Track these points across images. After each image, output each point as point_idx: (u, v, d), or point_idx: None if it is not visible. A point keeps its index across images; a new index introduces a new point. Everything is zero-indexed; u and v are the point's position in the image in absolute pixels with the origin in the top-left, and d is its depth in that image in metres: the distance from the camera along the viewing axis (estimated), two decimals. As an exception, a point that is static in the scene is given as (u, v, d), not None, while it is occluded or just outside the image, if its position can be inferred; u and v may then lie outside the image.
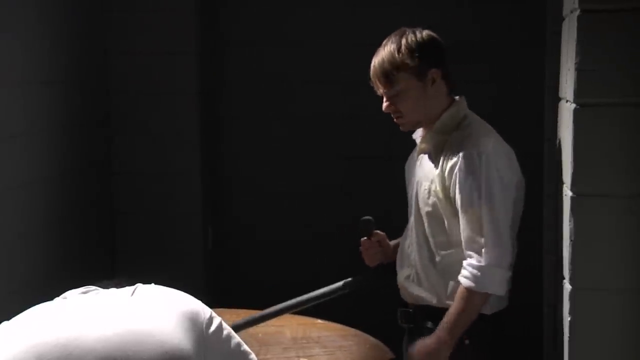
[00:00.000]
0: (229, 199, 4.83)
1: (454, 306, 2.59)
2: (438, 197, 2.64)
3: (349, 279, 2.88)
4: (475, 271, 2.54)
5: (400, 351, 2.85)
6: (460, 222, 2.59)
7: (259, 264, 4.81)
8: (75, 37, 4.16)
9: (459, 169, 2.58)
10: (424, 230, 2.71)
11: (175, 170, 4.47)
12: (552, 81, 2.88)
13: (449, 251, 2.66)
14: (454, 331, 2.59)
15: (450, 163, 2.61)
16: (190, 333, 1.56)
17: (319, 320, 3.09)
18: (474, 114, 2.73)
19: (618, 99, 2.04)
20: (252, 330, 2.79)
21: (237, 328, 2.66)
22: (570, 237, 2.09)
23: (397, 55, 2.63)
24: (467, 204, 2.56)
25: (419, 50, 2.64)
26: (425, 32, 2.69)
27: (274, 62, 4.73)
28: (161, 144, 4.46)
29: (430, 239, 2.69)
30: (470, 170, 2.56)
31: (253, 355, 1.68)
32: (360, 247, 2.93)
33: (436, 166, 2.66)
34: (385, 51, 2.66)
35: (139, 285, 1.66)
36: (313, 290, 2.92)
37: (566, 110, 2.29)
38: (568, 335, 2.13)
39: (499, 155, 2.60)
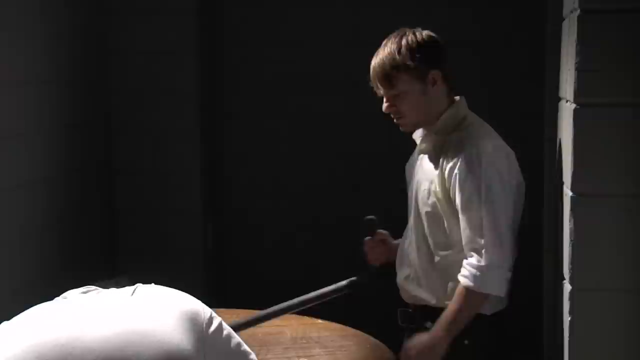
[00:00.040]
0: (229, 198, 4.83)
1: (452, 304, 2.59)
2: (438, 198, 2.64)
3: (353, 277, 2.88)
4: (475, 271, 2.54)
5: (400, 351, 2.85)
6: (461, 223, 2.59)
7: (259, 263, 4.81)
8: (75, 37, 4.16)
9: (459, 169, 2.58)
10: (424, 230, 2.71)
11: (176, 169, 4.47)
12: (552, 81, 2.87)
13: (448, 251, 2.66)
14: (451, 329, 2.59)
15: (450, 164, 2.61)
16: (190, 333, 1.56)
17: (319, 320, 3.09)
18: (474, 114, 2.74)
19: (618, 99, 2.04)
20: (252, 330, 2.79)
21: (237, 328, 2.66)
22: (570, 237, 2.09)
23: (397, 56, 2.63)
24: (467, 204, 2.56)
25: (419, 51, 2.63)
26: (425, 33, 2.69)
27: (274, 62, 4.73)
28: (161, 143, 4.46)
29: (430, 239, 2.70)
30: (470, 171, 2.56)
31: (253, 355, 1.68)
32: (364, 247, 2.92)
33: (436, 167, 2.66)
34: (386, 52, 2.66)
35: (139, 285, 1.66)
36: (313, 289, 2.92)
37: (566, 110, 2.29)
38: (568, 335, 2.13)
39: (499, 156, 2.60)
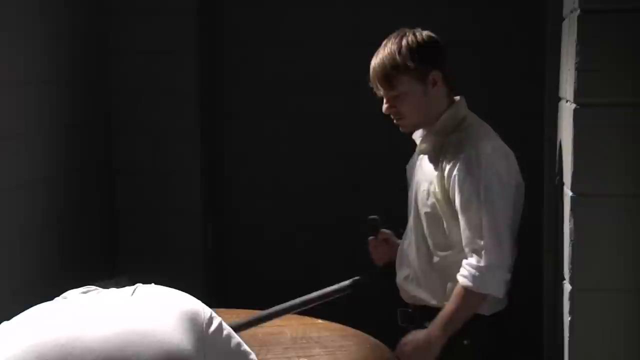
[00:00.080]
0: (228, 198, 4.83)
1: (450, 304, 2.59)
2: (437, 199, 2.63)
3: (356, 277, 2.88)
4: (474, 271, 2.54)
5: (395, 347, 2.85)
6: (460, 224, 2.59)
7: (259, 263, 4.81)
8: (75, 37, 4.16)
9: (458, 170, 2.57)
10: (423, 230, 2.71)
11: (176, 169, 4.47)
12: (552, 81, 2.87)
13: (447, 252, 2.66)
14: (447, 328, 2.59)
15: (449, 165, 2.60)
16: (190, 333, 1.56)
17: (319, 320, 3.09)
18: (474, 114, 2.73)
19: (618, 99, 2.04)
20: (252, 330, 2.79)
21: (240, 327, 2.66)
22: (570, 237, 2.09)
23: (397, 57, 2.62)
24: (466, 205, 2.56)
25: (420, 52, 2.62)
26: (425, 33, 2.68)
27: (274, 62, 4.73)
28: (161, 143, 4.46)
29: (429, 240, 2.69)
30: (469, 172, 2.56)
31: (253, 355, 1.68)
32: (368, 246, 2.92)
33: (435, 167, 2.66)
34: (386, 52, 2.64)
35: (139, 285, 1.66)
36: (313, 289, 2.92)
37: (566, 110, 2.29)
38: (568, 335, 2.13)
39: (498, 157, 2.59)
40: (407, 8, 4.47)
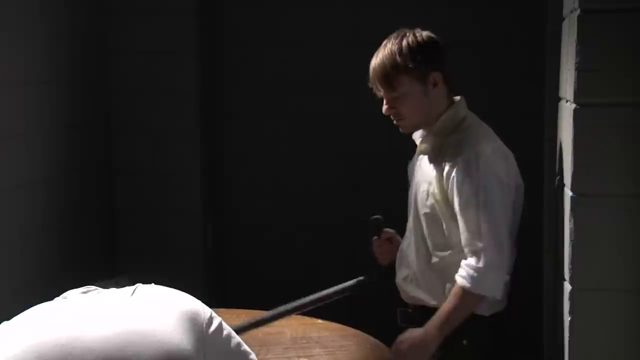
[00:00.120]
0: (229, 198, 4.83)
1: (447, 303, 2.59)
2: (436, 200, 2.63)
3: (360, 277, 2.88)
4: (472, 272, 2.54)
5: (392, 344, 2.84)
6: (459, 225, 2.58)
7: (259, 263, 4.81)
8: (75, 37, 4.16)
9: (457, 172, 2.57)
10: (422, 231, 2.70)
11: (176, 169, 4.47)
12: (552, 81, 2.87)
13: (446, 253, 2.65)
14: (444, 328, 2.59)
15: (448, 166, 2.59)
16: (190, 333, 1.56)
17: (319, 320, 3.09)
18: (474, 114, 2.72)
19: (618, 99, 2.04)
20: (252, 330, 2.79)
21: (244, 329, 2.65)
22: (570, 237, 2.09)
23: (398, 57, 2.60)
24: (465, 207, 2.55)
25: (420, 52, 2.61)
26: (425, 34, 2.67)
27: (274, 62, 4.73)
28: (161, 143, 4.46)
29: (428, 241, 2.69)
30: (467, 174, 2.55)
31: (253, 355, 1.68)
32: (371, 246, 2.92)
33: (434, 168, 2.65)
34: (386, 53, 2.63)
35: (139, 285, 1.66)
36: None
37: (566, 110, 2.29)
38: (568, 335, 2.13)
39: (497, 159, 2.58)
40: (407, 8, 4.47)
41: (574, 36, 2.07)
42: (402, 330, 2.82)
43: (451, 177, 2.58)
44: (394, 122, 2.72)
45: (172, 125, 4.44)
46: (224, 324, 1.64)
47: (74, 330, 1.51)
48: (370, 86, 2.70)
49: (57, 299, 1.63)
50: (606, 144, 2.05)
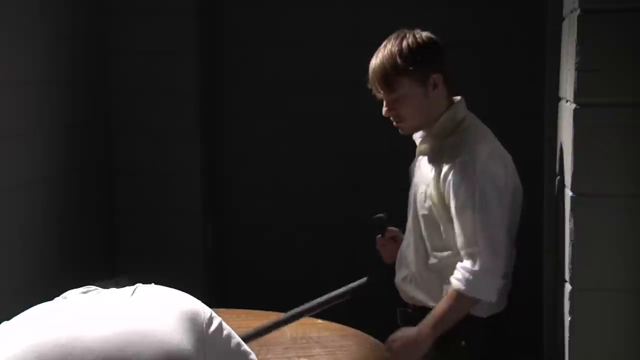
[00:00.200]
0: (229, 198, 4.83)
1: (441, 304, 2.58)
2: (433, 202, 2.62)
3: (364, 278, 2.87)
4: (468, 275, 2.53)
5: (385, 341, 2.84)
6: (455, 228, 2.57)
7: (259, 263, 4.81)
8: (75, 37, 4.16)
9: (453, 175, 2.55)
10: (421, 232, 2.70)
11: (176, 169, 4.47)
12: (552, 81, 2.87)
13: (444, 254, 2.64)
14: (437, 328, 2.58)
15: (445, 168, 2.58)
16: (190, 333, 1.56)
17: (319, 320, 3.09)
18: (473, 115, 2.71)
19: (618, 99, 2.04)
20: (251, 330, 2.79)
21: (252, 337, 2.65)
22: (570, 237, 2.09)
23: (398, 59, 2.58)
24: (461, 211, 2.54)
25: (420, 54, 2.59)
26: (425, 35, 2.65)
27: (274, 62, 4.73)
28: (161, 143, 4.47)
29: (427, 241, 2.68)
30: (464, 176, 2.53)
31: (253, 355, 1.68)
32: (375, 245, 2.92)
33: (432, 170, 2.64)
34: (386, 55, 2.61)
35: (139, 285, 1.66)
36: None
37: (566, 110, 2.29)
38: (568, 335, 2.13)
39: (495, 162, 2.57)
40: (407, 8, 4.47)
41: (574, 36, 2.07)
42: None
43: (448, 179, 2.56)
44: (394, 123, 2.70)
45: (172, 125, 4.44)
46: (224, 324, 1.64)
47: (74, 330, 1.51)
48: (369, 87, 2.69)
49: (57, 299, 1.63)
50: (606, 144, 2.05)
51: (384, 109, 2.67)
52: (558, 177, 2.52)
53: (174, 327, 1.55)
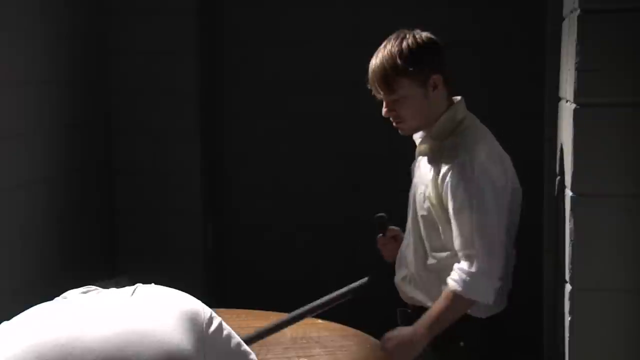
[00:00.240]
0: (229, 198, 4.83)
1: (437, 304, 2.58)
2: (431, 203, 2.61)
3: (365, 278, 2.87)
4: (464, 276, 2.52)
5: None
6: (453, 230, 2.56)
7: (259, 263, 4.81)
8: (75, 37, 4.16)
9: (451, 176, 2.54)
10: (420, 232, 2.69)
11: (176, 169, 4.47)
12: (552, 81, 2.87)
13: (443, 254, 2.64)
14: (433, 328, 2.58)
15: (443, 169, 2.57)
16: (190, 333, 1.56)
17: (319, 320, 3.09)
18: (473, 115, 2.70)
19: (618, 99, 2.04)
20: (252, 330, 2.79)
21: (254, 339, 2.65)
22: (570, 237, 2.09)
23: (398, 59, 2.57)
24: (459, 212, 2.53)
25: (420, 55, 2.58)
26: (425, 35, 2.64)
27: (274, 62, 4.73)
28: (161, 143, 4.47)
29: (426, 242, 2.68)
30: (462, 178, 2.52)
31: (253, 355, 1.68)
32: (376, 244, 2.92)
33: (431, 171, 2.63)
34: (385, 55, 2.59)
35: (139, 285, 1.66)
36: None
37: (566, 110, 2.29)
38: (568, 335, 2.13)
39: (493, 163, 2.56)
40: (407, 8, 4.47)
41: (574, 36, 2.07)
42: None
43: (446, 180, 2.56)
44: (394, 124, 2.70)
45: (172, 125, 4.44)
46: (224, 324, 1.64)
47: (74, 330, 1.51)
48: (369, 87, 2.68)
49: (57, 299, 1.63)
50: (606, 144, 2.05)
51: (384, 110, 2.66)
52: (558, 177, 2.52)
53: (174, 327, 1.55)
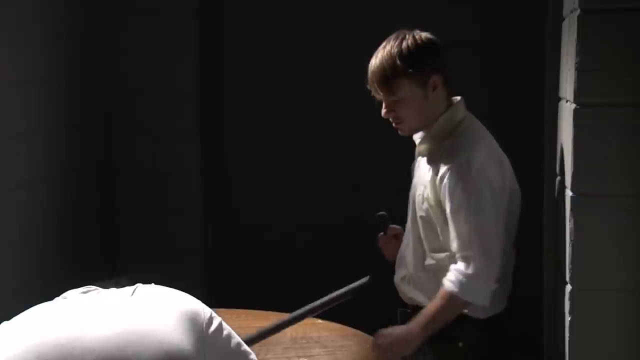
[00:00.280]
0: (229, 198, 4.83)
1: (433, 304, 2.57)
2: (430, 204, 2.61)
3: (366, 277, 2.87)
4: (461, 277, 2.52)
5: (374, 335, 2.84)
6: (450, 231, 2.56)
7: (259, 263, 4.81)
8: (75, 37, 4.16)
9: (449, 178, 2.54)
10: (419, 233, 2.69)
11: (176, 169, 4.47)
12: (552, 81, 2.87)
13: (442, 255, 2.63)
14: (428, 327, 2.57)
15: (441, 171, 2.56)
16: (190, 333, 1.56)
17: (319, 320, 3.09)
18: (472, 116, 2.69)
19: (618, 99, 2.04)
20: (252, 330, 2.79)
21: (255, 340, 2.65)
22: (570, 237, 2.09)
23: (398, 60, 2.56)
24: (456, 214, 2.53)
25: (420, 55, 2.57)
26: (425, 35, 2.63)
27: (274, 62, 4.73)
28: (161, 143, 4.47)
29: (425, 242, 2.68)
30: (460, 179, 2.52)
31: (253, 355, 1.68)
32: (377, 243, 2.92)
33: (430, 172, 2.63)
34: (385, 56, 2.58)
35: (139, 285, 1.66)
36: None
37: (566, 110, 2.29)
38: (568, 335, 2.13)
39: (491, 165, 2.55)
40: (407, 8, 4.47)
41: (574, 36, 2.07)
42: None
43: (444, 182, 2.55)
44: (393, 125, 2.69)
45: (172, 125, 4.44)
46: (224, 324, 1.64)
47: (74, 330, 1.51)
48: (368, 88, 2.68)
49: (57, 299, 1.63)
50: (606, 144, 2.05)
51: (383, 111, 2.65)
52: (558, 177, 2.51)
53: (174, 327, 1.55)
